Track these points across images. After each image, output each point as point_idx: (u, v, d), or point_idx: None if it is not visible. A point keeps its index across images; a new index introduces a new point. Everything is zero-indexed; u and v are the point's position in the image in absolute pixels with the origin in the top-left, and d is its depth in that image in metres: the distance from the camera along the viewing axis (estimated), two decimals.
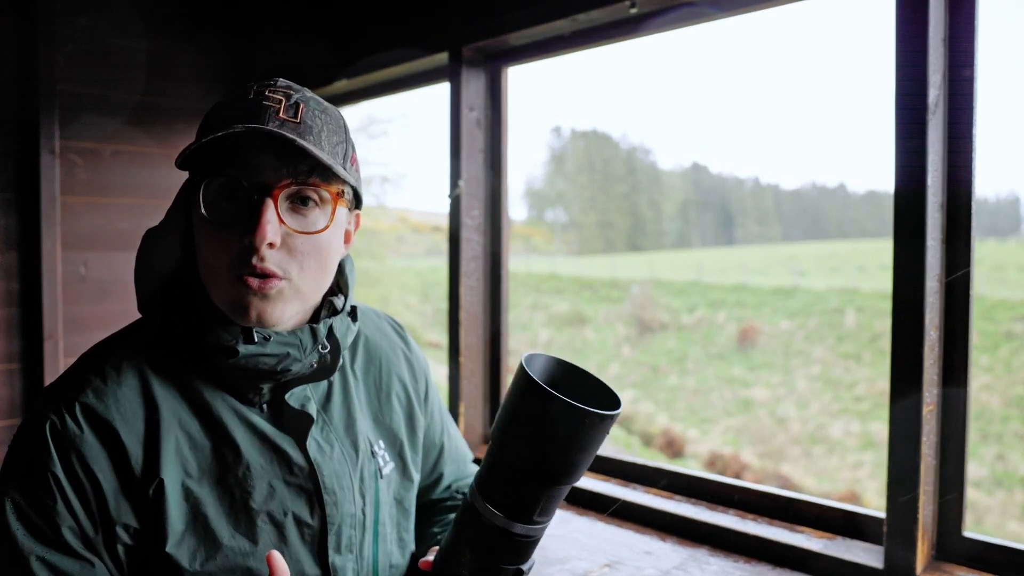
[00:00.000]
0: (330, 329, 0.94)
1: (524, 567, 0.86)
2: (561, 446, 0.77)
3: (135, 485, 0.84)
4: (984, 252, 27.25)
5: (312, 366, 0.92)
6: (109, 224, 2.56)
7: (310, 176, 0.85)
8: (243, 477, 0.87)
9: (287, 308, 0.87)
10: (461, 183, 2.05)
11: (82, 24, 2.47)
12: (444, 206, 2.11)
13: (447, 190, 2.07)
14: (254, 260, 0.82)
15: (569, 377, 0.84)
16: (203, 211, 0.83)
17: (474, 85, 2.08)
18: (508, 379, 2.16)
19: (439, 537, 1.11)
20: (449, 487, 1.24)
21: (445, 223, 2.16)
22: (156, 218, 2.75)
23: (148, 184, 2.64)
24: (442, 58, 2.13)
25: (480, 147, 2.10)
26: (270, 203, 0.82)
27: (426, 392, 1.15)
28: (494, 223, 2.13)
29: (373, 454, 1.01)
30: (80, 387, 0.85)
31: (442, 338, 22.64)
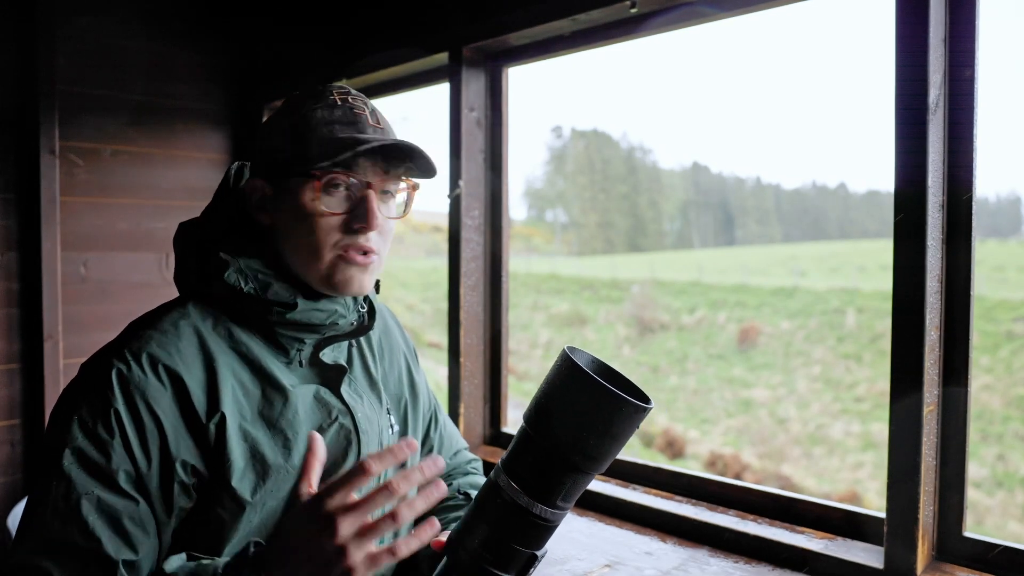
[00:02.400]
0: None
1: (538, 553, 0.87)
2: (597, 431, 0.81)
3: (198, 424, 0.92)
4: (984, 252, 27.25)
5: (352, 324, 1.05)
6: (109, 224, 2.56)
7: (402, 173, 1.02)
8: (292, 419, 0.98)
9: (374, 278, 1.04)
10: (461, 183, 2.05)
11: (82, 24, 2.47)
12: (444, 206, 2.11)
13: (447, 190, 2.07)
14: (361, 241, 0.98)
15: (603, 373, 0.88)
16: (322, 205, 0.98)
17: (474, 85, 2.08)
18: (508, 379, 2.16)
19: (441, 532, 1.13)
20: (450, 483, 1.25)
21: (445, 223, 2.16)
22: (156, 218, 2.76)
23: (148, 184, 2.64)
24: (442, 58, 2.13)
25: (480, 147, 2.10)
26: (373, 195, 0.98)
27: (416, 362, 1.27)
28: (494, 223, 2.13)
29: (388, 412, 1.13)
30: (143, 340, 0.93)
31: (442, 338, 22.64)
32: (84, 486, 0.86)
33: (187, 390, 0.91)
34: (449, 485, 1.26)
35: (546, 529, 0.86)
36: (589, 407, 0.80)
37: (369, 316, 1.09)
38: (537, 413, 0.84)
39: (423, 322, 26.16)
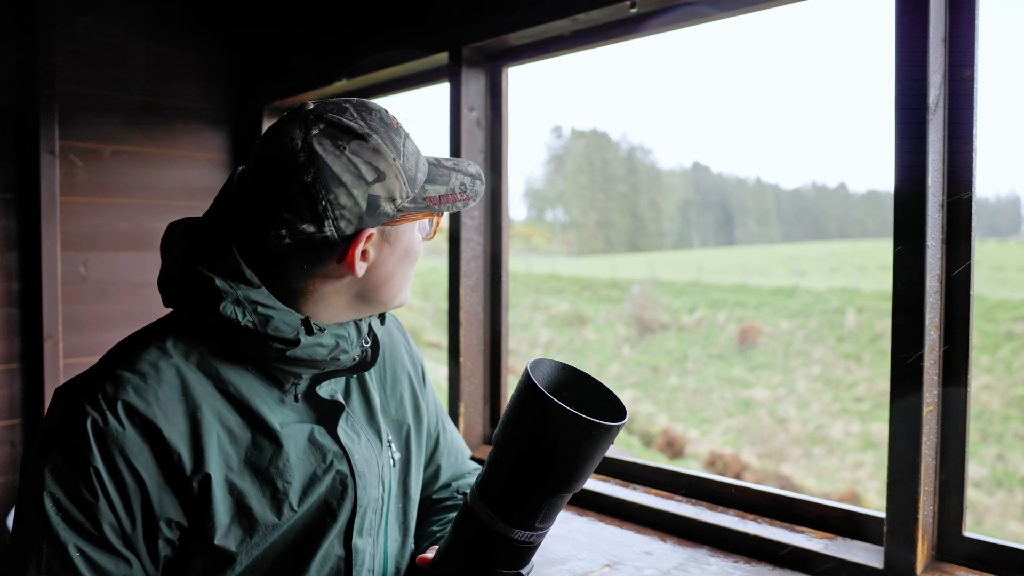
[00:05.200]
0: (368, 327, 1.01)
1: (523, 571, 0.86)
2: (565, 456, 0.77)
3: (180, 481, 0.86)
4: (984, 252, 27.25)
5: (354, 359, 0.98)
6: (109, 224, 2.56)
7: None
8: (283, 467, 0.92)
9: None
10: None
11: (82, 24, 2.46)
12: None
13: None
14: None
15: (574, 383, 0.84)
16: (430, 236, 1.00)
17: (474, 85, 2.07)
18: (508, 379, 2.16)
19: (439, 536, 1.13)
20: (449, 485, 1.25)
21: (445, 223, 2.16)
22: (156, 218, 2.76)
23: (148, 184, 2.64)
24: (442, 58, 2.13)
25: (480, 147, 2.10)
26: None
27: (423, 382, 1.20)
28: (494, 223, 2.13)
29: (389, 444, 1.06)
30: (119, 384, 0.86)
31: (442, 338, 22.63)
32: (75, 545, 0.82)
33: (167, 444, 0.85)
34: (448, 486, 1.26)
35: (528, 550, 0.84)
36: (555, 433, 0.76)
37: (373, 351, 1.03)
38: (505, 438, 0.80)
39: (423, 322, 26.16)
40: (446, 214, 0.97)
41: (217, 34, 2.76)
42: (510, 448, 0.80)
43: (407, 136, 0.93)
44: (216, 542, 0.87)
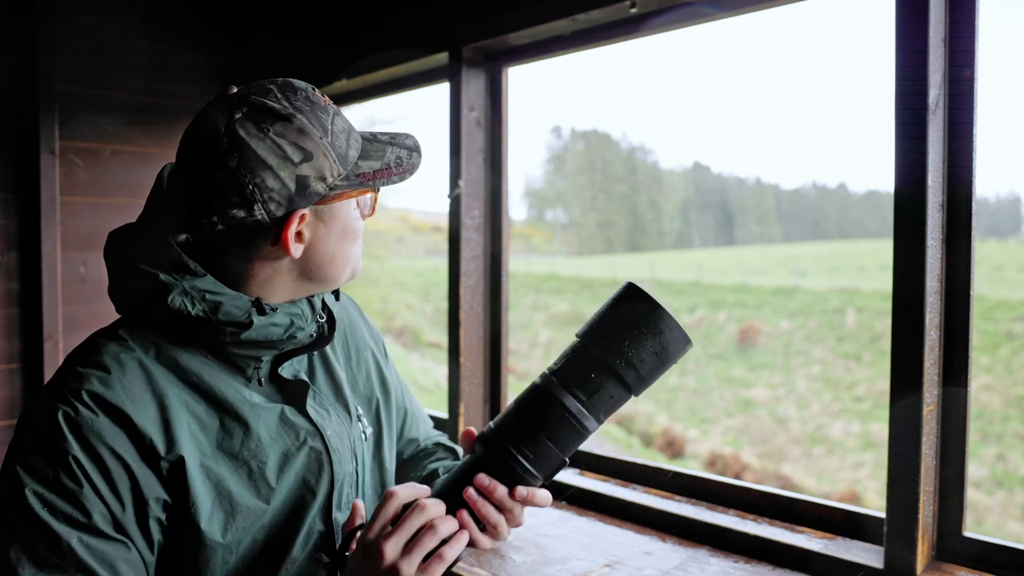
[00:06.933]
0: (322, 302, 1.02)
1: (567, 460, 0.92)
2: (648, 352, 0.89)
3: (155, 461, 0.86)
4: (984, 252, 27.25)
5: (311, 336, 0.98)
6: (109, 224, 2.54)
7: None
8: (256, 449, 0.92)
9: None
10: (461, 183, 2.05)
11: (82, 24, 2.46)
12: (444, 206, 2.11)
13: (447, 190, 2.07)
14: None
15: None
16: (369, 213, 1.01)
17: (474, 85, 2.07)
18: (508, 379, 2.16)
19: (442, 471, 1.16)
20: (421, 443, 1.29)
21: (445, 223, 2.16)
22: None
23: (148, 184, 2.62)
24: (442, 58, 2.13)
25: (480, 147, 2.10)
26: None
27: (385, 355, 1.22)
28: (494, 223, 2.13)
29: (359, 418, 1.08)
30: (84, 379, 0.86)
31: (442, 338, 22.63)
32: (69, 534, 0.80)
33: (138, 430, 0.85)
34: (417, 442, 1.27)
35: (580, 437, 0.91)
36: (650, 327, 0.89)
37: (329, 327, 1.03)
38: (601, 326, 0.91)
39: (423, 322, 26.16)
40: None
41: (217, 34, 2.76)
42: (602, 337, 0.90)
43: (336, 113, 0.94)
44: (202, 527, 0.88)
